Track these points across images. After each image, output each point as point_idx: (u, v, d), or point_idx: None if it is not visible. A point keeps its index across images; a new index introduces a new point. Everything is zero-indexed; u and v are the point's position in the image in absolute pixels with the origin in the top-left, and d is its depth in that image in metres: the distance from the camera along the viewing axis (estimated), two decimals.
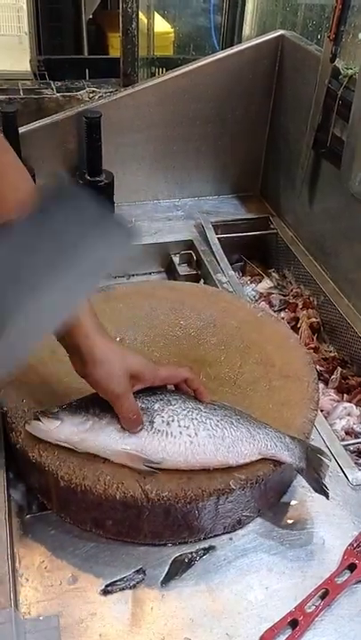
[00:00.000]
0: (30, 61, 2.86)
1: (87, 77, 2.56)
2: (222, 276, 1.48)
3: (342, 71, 1.38)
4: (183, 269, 1.59)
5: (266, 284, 1.65)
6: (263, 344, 1.13)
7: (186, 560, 0.88)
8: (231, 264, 1.57)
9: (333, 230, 1.49)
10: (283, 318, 1.51)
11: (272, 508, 0.95)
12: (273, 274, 1.70)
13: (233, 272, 1.52)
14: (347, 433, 1.22)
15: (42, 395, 0.97)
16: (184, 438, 0.87)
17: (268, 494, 0.93)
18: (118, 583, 0.85)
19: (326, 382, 1.35)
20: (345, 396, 1.32)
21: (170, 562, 0.88)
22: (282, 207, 1.74)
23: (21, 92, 2.10)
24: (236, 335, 1.15)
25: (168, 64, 2.57)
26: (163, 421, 0.88)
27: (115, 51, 2.84)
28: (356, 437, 1.21)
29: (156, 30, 2.91)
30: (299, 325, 1.48)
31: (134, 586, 0.85)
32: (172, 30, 2.98)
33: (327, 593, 0.85)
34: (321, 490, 0.90)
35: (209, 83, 1.64)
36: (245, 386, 1.05)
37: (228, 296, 1.32)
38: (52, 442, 0.87)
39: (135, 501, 0.84)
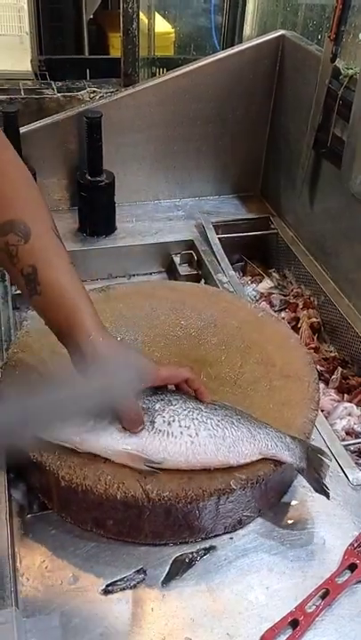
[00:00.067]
0: (31, 61, 2.86)
1: (88, 77, 2.56)
2: (223, 276, 1.48)
3: (343, 71, 1.38)
4: (184, 269, 1.59)
5: (266, 284, 1.66)
6: (264, 344, 1.13)
7: (186, 560, 0.88)
8: (232, 264, 1.57)
9: (334, 230, 1.49)
10: (283, 318, 1.51)
11: (273, 507, 0.96)
12: (273, 274, 1.70)
13: (234, 272, 1.52)
14: (347, 433, 1.22)
15: None
16: (185, 438, 0.87)
17: (268, 494, 0.94)
18: (119, 583, 0.85)
19: (327, 382, 1.35)
20: (345, 396, 1.32)
21: (170, 562, 0.88)
22: (282, 207, 1.74)
23: (22, 92, 2.10)
24: (236, 335, 1.15)
25: (169, 64, 2.56)
26: (164, 421, 0.88)
27: (115, 51, 2.84)
28: (357, 437, 1.20)
29: (156, 30, 2.90)
30: (299, 325, 1.48)
31: (135, 586, 0.85)
32: (173, 30, 2.98)
33: (328, 593, 0.85)
34: (322, 490, 0.91)
35: (210, 83, 1.64)
36: (246, 386, 1.05)
37: (229, 296, 1.32)
38: (53, 442, 0.88)
39: (136, 501, 0.84)
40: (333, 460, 1.03)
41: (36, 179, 1.31)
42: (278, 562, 0.89)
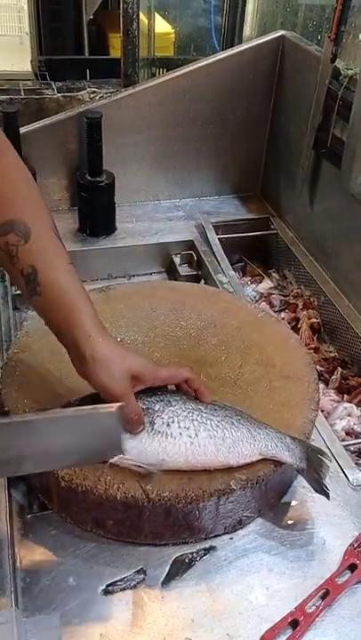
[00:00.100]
0: (31, 62, 2.86)
1: (88, 78, 2.56)
2: (223, 277, 1.48)
3: (343, 71, 1.38)
4: (184, 270, 1.59)
5: (266, 285, 1.66)
6: (264, 344, 1.13)
7: (186, 560, 0.88)
8: (232, 264, 1.57)
9: (334, 231, 1.49)
10: (283, 319, 1.51)
11: (273, 508, 0.96)
12: (273, 274, 1.70)
13: (233, 272, 1.52)
14: (347, 433, 1.22)
15: (43, 395, 0.98)
16: (185, 439, 0.87)
17: (268, 494, 0.94)
18: (119, 583, 0.85)
19: (327, 383, 1.35)
20: (345, 396, 1.32)
21: (170, 562, 0.88)
22: (282, 207, 1.74)
23: (22, 93, 2.10)
24: (236, 335, 1.15)
25: (169, 64, 2.57)
26: (163, 422, 0.88)
27: (115, 51, 2.84)
28: (357, 438, 1.21)
29: (156, 31, 2.90)
30: (299, 326, 1.48)
31: (135, 586, 0.85)
32: (173, 31, 2.98)
33: (328, 593, 0.85)
34: (321, 490, 0.91)
35: (210, 83, 1.64)
36: (246, 386, 1.05)
37: (229, 296, 1.32)
38: None
39: (136, 502, 0.84)
40: (333, 460, 1.03)
41: (36, 179, 1.31)
42: (278, 562, 0.89)
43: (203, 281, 1.54)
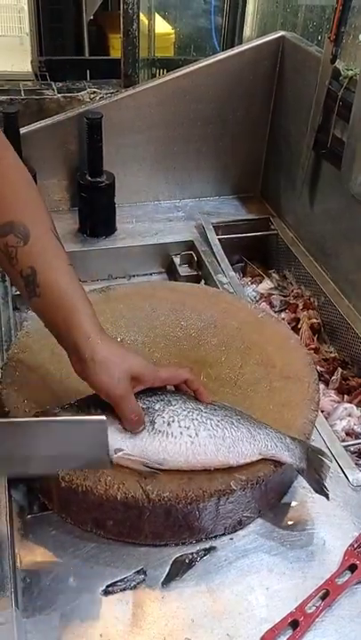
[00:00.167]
0: (31, 62, 2.87)
1: (88, 78, 2.57)
2: (223, 277, 1.48)
3: (343, 72, 1.38)
4: (184, 270, 1.59)
5: (266, 285, 1.66)
6: (264, 345, 1.13)
7: (186, 561, 0.88)
8: (232, 265, 1.57)
9: (334, 231, 1.49)
10: (283, 319, 1.51)
11: (273, 508, 0.96)
12: (273, 274, 1.70)
13: (234, 273, 1.52)
14: (347, 434, 1.22)
15: (42, 395, 0.98)
16: (185, 439, 0.87)
17: (268, 495, 0.94)
18: (119, 584, 0.85)
19: (327, 383, 1.35)
20: (345, 396, 1.32)
21: (170, 562, 0.88)
22: (282, 208, 1.74)
23: (22, 93, 2.10)
24: (236, 336, 1.15)
25: (169, 65, 2.57)
26: (163, 422, 0.88)
27: (116, 52, 2.85)
28: (357, 438, 1.20)
29: (156, 31, 2.90)
30: (299, 326, 1.48)
31: (135, 586, 0.85)
32: (173, 31, 2.98)
33: (328, 594, 0.85)
34: (321, 491, 0.91)
35: (210, 84, 1.64)
36: (246, 387, 1.05)
37: (229, 297, 1.32)
38: None
39: (136, 502, 0.84)
40: (333, 460, 1.03)
41: (36, 179, 1.31)
42: (278, 562, 0.89)
43: (203, 281, 1.55)
